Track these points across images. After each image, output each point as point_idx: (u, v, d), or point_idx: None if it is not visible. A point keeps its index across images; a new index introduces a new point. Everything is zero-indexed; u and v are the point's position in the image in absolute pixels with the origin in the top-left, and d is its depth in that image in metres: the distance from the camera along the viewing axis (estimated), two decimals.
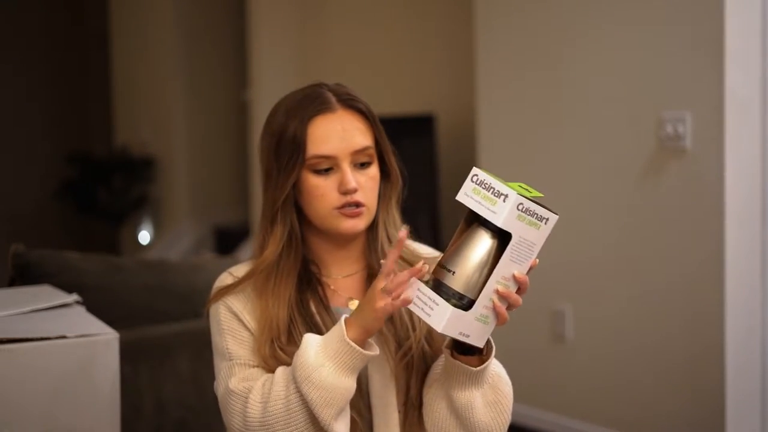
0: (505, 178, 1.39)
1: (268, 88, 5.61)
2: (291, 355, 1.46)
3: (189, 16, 6.53)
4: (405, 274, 1.35)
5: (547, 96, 3.56)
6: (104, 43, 7.40)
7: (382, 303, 1.36)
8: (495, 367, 1.50)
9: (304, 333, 1.47)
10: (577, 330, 3.50)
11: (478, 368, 1.44)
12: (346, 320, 1.40)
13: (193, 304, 2.46)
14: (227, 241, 6.20)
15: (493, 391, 1.49)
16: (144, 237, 6.91)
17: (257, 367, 1.49)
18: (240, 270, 1.58)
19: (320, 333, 1.49)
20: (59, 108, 7.53)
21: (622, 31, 3.27)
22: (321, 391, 1.38)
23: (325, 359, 1.38)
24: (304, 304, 1.52)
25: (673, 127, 3.07)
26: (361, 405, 1.51)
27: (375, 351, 1.41)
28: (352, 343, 1.38)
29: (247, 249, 5.68)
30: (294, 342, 1.48)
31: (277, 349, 1.48)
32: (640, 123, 3.19)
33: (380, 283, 1.37)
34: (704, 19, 2.96)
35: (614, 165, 3.31)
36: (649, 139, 3.16)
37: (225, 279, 1.58)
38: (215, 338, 1.55)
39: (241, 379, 1.47)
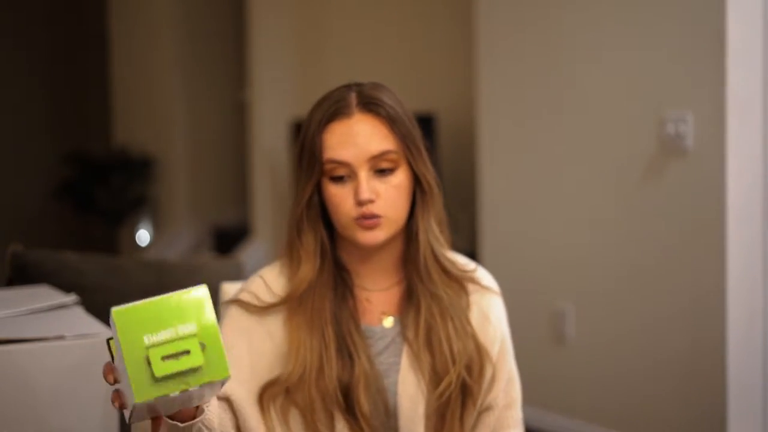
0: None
1: (267, 89, 5.60)
2: (322, 389, 1.40)
3: (188, 16, 6.52)
4: None
5: (548, 96, 3.56)
6: (103, 43, 7.40)
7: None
8: None
9: (335, 358, 1.40)
10: (578, 330, 3.49)
11: None
12: None
13: None
14: (226, 241, 6.19)
15: None
16: (143, 237, 6.90)
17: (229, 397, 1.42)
18: (272, 279, 1.48)
19: (350, 356, 1.42)
20: (58, 108, 7.53)
21: (622, 30, 3.26)
22: None
23: None
24: (338, 321, 1.44)
25: (675, 126, 3.06)
26: (382, 423, 1.43)
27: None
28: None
29: (247, 249, 5.68)
30: (323, 374, 1.40)
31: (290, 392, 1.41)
32: (642, 123, 3.19)
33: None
34: (706, 18, 2.95)
35: (615, 165, 3.31)
36: (651, 139, 3.16)
37: (257, 287, 1.49)
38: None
39: None
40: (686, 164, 3.05)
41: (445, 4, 4.75)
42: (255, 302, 1.47)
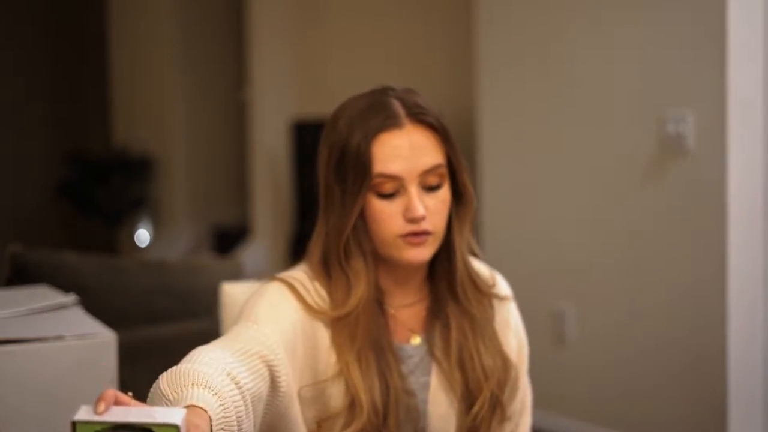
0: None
1: (267, 88, 5.60)
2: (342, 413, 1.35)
3: (188, 15, 6.52)
4: None
5: (549, 96, 3.55)
6: (103, 43, 7.39)
7: None
8: None
9: (371, 375, 1.35)
10: (578, 330, 3.49)
11: None
12: None
13: (191, 304, 2.45)
14: (226, 242, 6.19)
15: None
16: (142, 237, 6.90)
17: (266, 342, 1.30)
18: (303, 281, 1.40)
19: (383, 376, 1.36)
20: (57, 108, 7.52)
21: (623, 30, 3.26)
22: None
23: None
24: (376, 342, 1.38)
25: (676, 126, 3.06)
26: None
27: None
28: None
29: (246, 249, 5.67)
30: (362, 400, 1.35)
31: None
32: (642, 122, 3.18)
33: None
34: (707, 18, 2.95)
35: (616, 165, 3.30)
36: (651, 138, 3.15)
37: (302, 281, 1.40)
38: (250, 303, 1.38)
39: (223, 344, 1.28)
40: (687, 164, 3.05)
41: (445, 5, 4.75)
42: (306, 297, 1.39)
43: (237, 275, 2.39)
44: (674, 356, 3.14)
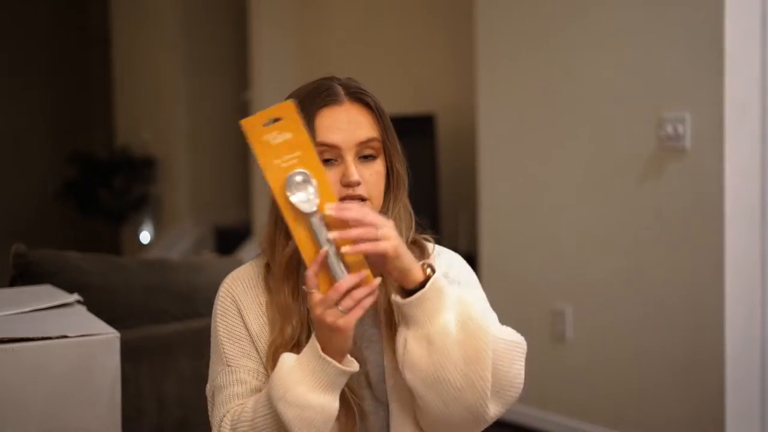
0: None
1: (269, 89, 5.61)
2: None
3: (190, 16, 6.53)
4: (348, 283, 1.28)
5: (548, 96, 3.57)
6: (105, 44, 7.40)
7: (331, 319, 1.29)
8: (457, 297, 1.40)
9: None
10: (577, 330, 3.50)
11: (415, 295, 1.35)
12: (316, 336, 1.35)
13: (193, 303, 2.46)
14: (228, 241, 6.20)
15: (463, 311, 1.39)
16: (145, 237, 6.92)
17: (249, 371, 1.45)
18: (246, 270, 1.54)
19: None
20: (60, 108, 7.54)
21: (622, 31, 3.27)
22: (297, 410, 1.32)
23: (301, 377, 1.32)
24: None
25: (673, 127, 3.07)
26: (367, 394, 1.46)
27: (354, 367, 1.34)
28: (328, 358, 1.31)
29: (248, 249, 5.68)
30: (301, 339, 1.43)
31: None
32: (640, 123, 3.19)
33: (314, 302, 1.30)
34: (704, 19, 2.96)
35: (614, 165, 3.32)
36: (649, 139, 3.17)
37: (232, 282, 1.53)
38: (213, 333, 1.52)
39: (228, 397, 1.44)
40: (684, 164, 3.06)
41: (445, 5, 4.76)
42: (236, 291, 1.52)
43: None
44: (672, 356, 3.15)
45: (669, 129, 3.08)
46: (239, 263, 2.75)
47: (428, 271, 1.38)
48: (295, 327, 1.44)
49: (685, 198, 3.07)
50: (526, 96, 3.65)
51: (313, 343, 1.33)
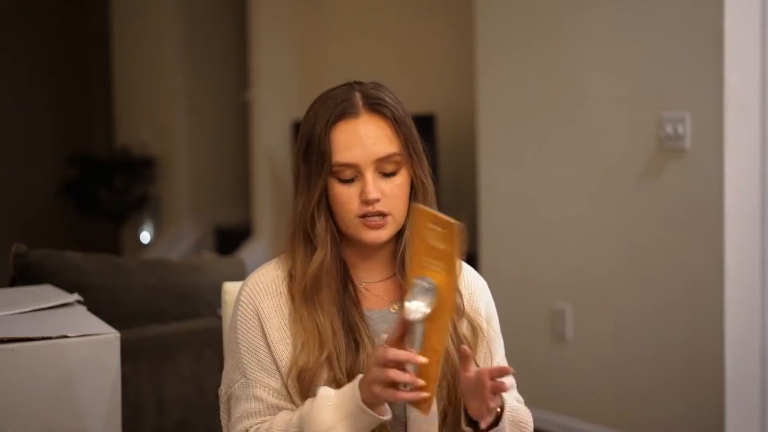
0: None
1: (269, 89, 5.61)
2: (330, 379, 1.43)
3: (190, 15, 6.53)
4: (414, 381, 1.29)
5: (547, 96, 3.57)
6: (105, 43, 7.40)
7: (378, 391, 1.31)
8: (510, 412, 1.47)
9: (344, 341, 1.43)
10: (576, 330, 3.50)
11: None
12: (359, 381, 1.36)
13: (193, 303, 2.46)
14: (228, 241, 6.20)
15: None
16: (145, 237, 6.92)
17: (267, 389, 1.45)
18: (269, 274, 1.52)
19: (355, 341, 1.45)
20: (60, 108, 7.53)
21: (622, 32, 3.27)
22: None
23: (338, 419, 1.34)
24: (343, 309, 1.48)
25: (673, 127, 3.07)
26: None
27: (388, 415, 1.36)
28: (365, 407, 1.33)
29: (249, 249, 5.69)
30: (332, 365, 1.44)
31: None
32: (640, 123, 3.20)
33: (376, 368, 1.31)
34: (704, 19, 2.96)
35: (614, 165, 3.32)
36: (649, 139, 3.17)
37: (254, 287, 1.51)
38: (232, 337, 1.50)
39: (246, 414, 1.44)
40: (684, 164, 3.06)
41: (444, 4, 4.76)
42: (258, 298, 1.50)
43: (239, 274, 2.40)
44: (672, 355, 3.15)
45: (669, 129, 3.08)
46: (239, 263, 2.76)
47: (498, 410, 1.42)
48: (322, 354, 1.44)
49: (685, 198, 3.07)
50: (526, 96, 3.65)
51: (353, 388, 1.34)
